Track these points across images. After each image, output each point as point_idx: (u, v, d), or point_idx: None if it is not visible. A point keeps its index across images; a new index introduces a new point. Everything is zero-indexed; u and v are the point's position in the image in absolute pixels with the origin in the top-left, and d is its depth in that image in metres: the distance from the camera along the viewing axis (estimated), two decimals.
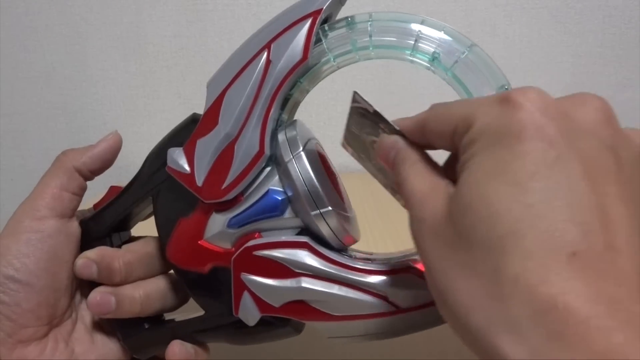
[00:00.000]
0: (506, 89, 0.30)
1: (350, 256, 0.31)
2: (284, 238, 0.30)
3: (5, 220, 0.32)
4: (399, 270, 0.30)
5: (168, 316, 0.35)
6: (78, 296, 0.34)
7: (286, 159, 0.30)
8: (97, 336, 0.33)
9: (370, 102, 0.30)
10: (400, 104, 0.78)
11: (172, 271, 0.34)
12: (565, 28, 0.76)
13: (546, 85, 0.74)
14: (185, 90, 0.79)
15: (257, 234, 0.31)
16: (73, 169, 0.33)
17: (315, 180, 0.29)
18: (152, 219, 0.35)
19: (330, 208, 0.29)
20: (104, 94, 0.80)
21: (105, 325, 0.34)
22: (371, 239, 0.55)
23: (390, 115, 0.30)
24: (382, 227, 0.58)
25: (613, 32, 0.76)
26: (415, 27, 0.30)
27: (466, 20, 0.75)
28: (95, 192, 0.36)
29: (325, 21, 0.31)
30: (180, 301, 0.35)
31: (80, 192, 0.33)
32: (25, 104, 0.81)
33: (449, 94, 0.33)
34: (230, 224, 0.31)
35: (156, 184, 0.32)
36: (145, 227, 0.36)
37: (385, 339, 0.31)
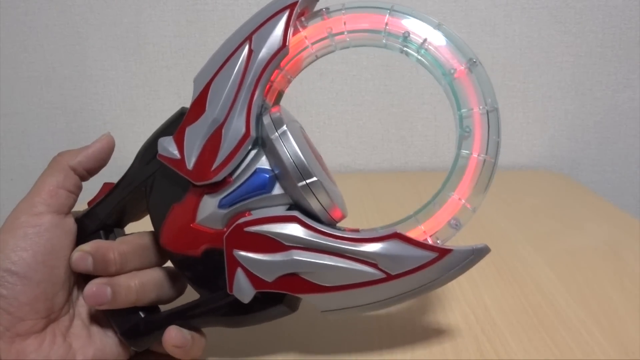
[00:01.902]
0: (474, 62, 0.31)
1: (339, 229, 0.32)
2: (273, 213, 0.31)
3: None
4: (386, 237, 0.31)
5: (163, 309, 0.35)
6: (75, 292, 0.34)
7: (272, 137, 0.31)
8: (94, 332, 0.34)
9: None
10: (400, 104, 0.79)
11: (167, 264, 0.35)
12: (565, 28, 0.76)
13: (546, 85, 0.74)
14: (185, 90, 0.79)
15: (247, 212, 0.32)
16: (69, 168, 0.34)
17: (300, 153, 0.31)
18: (145, 220, 0.35)
19: (316, 178, 0.31)
20: (104, 94, 0.80)
21: (102, 321, 0.35)
22: None
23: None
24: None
25: (613, 32, 0.76)
26: (385, 11, 0.32)
27: (466, 20, 0.75)
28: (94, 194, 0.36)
29: (302, 15, 0.33)
30: (176, 293, 0.35)
31: (76, 191, 0.34)
32: (25, 104, 0.81)
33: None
34: (221, 205, 0.32)
35: (148, 175, 0.33)
36: (139, 228, 0.36)
37: (379, 309, 0.32)
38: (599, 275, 0.47)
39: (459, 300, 0.43)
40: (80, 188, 0.34)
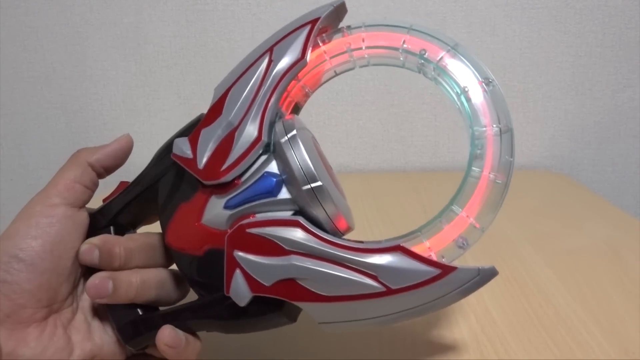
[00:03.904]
0: (490, 81, 0.31)
1: (342, 239, 0.32)
2: (277, 217, 0.31)
3: (5, 221, 0.32)
4: (388, 249, 0.31)
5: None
6: (81, 287, 0.35)
7: (281, 140, 0.31)
8: (95, 328, 0.34)
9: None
10: (400, 104, 0.79)
11: (172, 267, 0.35)
12: (565, 28, 0.76)
13: (546, 85, 0.74)
14: (185, 90, 0.79)
15: (252, 215, 0.32)
16: (87, 164, 0.34)
17: (307, 158, 0.31)
18: (157, 225, 0.35)
19: (320, 183, 0.30)
20: (104, 94, 0.80)
21: (103, 318, 0.35)
22: (371, 238, 0.54)
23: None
24: (382, 226, 0.58)
25: (613, 32, 0.76)
26: (404, 30, 0.33)
27: (466, 20, 0.75)
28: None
29: (324, 32, 0.34)
30: (178, 296, 0.35)
31: (93, 187, 0.35)
32: (25, 104, 0.81)
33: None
34: (227, 206, 0.32)
35: (161, 174, 0.34)
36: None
37: (376, 325, 0.32)
38: (599, 275, 0.47)
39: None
40: (96, 184, 0.35)
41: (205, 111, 0.33)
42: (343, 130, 0.80)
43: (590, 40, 0.76)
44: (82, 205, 0.34)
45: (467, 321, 0.41)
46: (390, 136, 0.80)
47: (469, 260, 0.32)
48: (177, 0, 0.76)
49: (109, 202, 0.35)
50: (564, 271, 0.48)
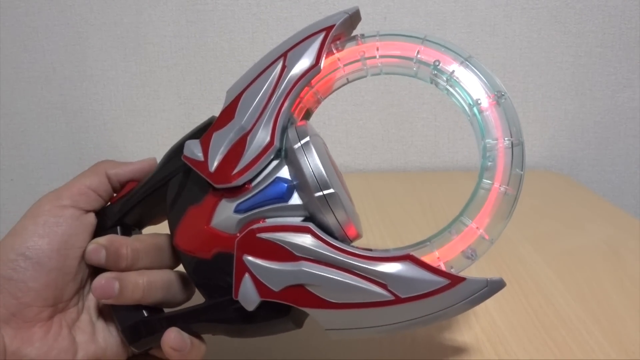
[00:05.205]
0: (502, 94, 0.31)
1: (352, 246, 0.32)
2: (288, 222, 0.31)
3: (5, 221, 0.32)
4: (398, 258, 0.30)
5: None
6: (87, 287, 0.35)
7: (294, 147, 0.31)
8: (99, 329, 0.34)
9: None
10: (400, 104, 0.79)
11: (178, 268, 0.35)
12: (565, 28, 0.76)
13: (546, 85, 0.74)
14: (185, 90, 0.79)
15: (262, 220, 0.32)
16: (105, 175, 0.35)
17: (320, 164, 0.31)
18: (163, 225, 0.35)
19: (333, 190, 0.30)
20: (104, 94, 0.80)
21: (108, 319, 0.35)
22: (371, 238, 0.55)
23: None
24: (382, 226, 0.58)
25: (613, 32, 0.76)
26: (418, 40, 0.33)
27: (466, 20, 0.75)
28: None
29: (338, 39, 0.34)
30: (184, 297, 0.35)
31: (106, 197, 0.35)
32: (25, 104, 0.81)
33: (446, 95, 0.33)
34: (237, 210, 0.32)
35: (171, 175, 0.34)
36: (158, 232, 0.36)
37: (383, 334, 0.32)
38: (599, 275, 0.47)
39: None
40: (110, 195, 0.35)
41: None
42: (343, 130, 0.80)
43: (590, 40, 0.76)
44: (91, 210, 0.34)
45: (467, 321, 0.41)
46: (390, 136, 0.80)
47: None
48: (177, 0, 0.76)
49: (116, 202, 0.35)
50: (564, 271, 0.48)
